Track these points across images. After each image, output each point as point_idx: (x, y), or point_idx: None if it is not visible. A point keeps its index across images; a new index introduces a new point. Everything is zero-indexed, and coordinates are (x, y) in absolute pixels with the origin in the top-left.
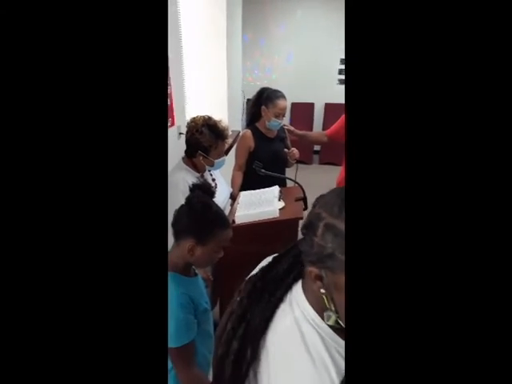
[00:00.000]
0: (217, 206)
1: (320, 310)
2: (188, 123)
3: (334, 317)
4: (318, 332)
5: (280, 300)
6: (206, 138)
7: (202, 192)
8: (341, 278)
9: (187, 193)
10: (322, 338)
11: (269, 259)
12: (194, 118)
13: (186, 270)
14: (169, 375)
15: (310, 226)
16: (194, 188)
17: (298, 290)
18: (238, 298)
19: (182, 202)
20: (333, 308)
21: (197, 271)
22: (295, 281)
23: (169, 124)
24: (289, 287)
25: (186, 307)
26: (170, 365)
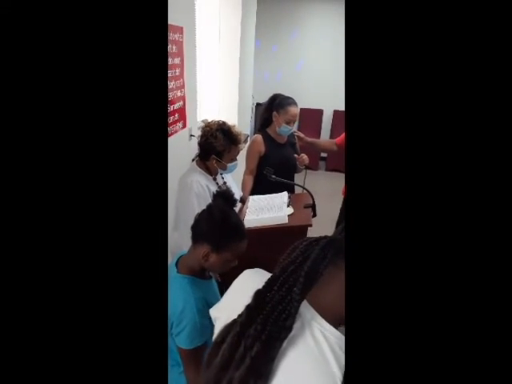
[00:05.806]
0: (236, 216)
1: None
2: (202, 127)
3: None
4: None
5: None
6: (220, 143)
7: (224, 201)
8: None
9: (201, 194)
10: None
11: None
12: (208, 122)
13: (202, 273)
14: (178, 373)
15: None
16: (216, 196)
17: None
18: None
19: (196, 202)
20: None
21: (211, 273)
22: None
23: (181, 126)
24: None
25: (202, 311)
26: (176, 361)
